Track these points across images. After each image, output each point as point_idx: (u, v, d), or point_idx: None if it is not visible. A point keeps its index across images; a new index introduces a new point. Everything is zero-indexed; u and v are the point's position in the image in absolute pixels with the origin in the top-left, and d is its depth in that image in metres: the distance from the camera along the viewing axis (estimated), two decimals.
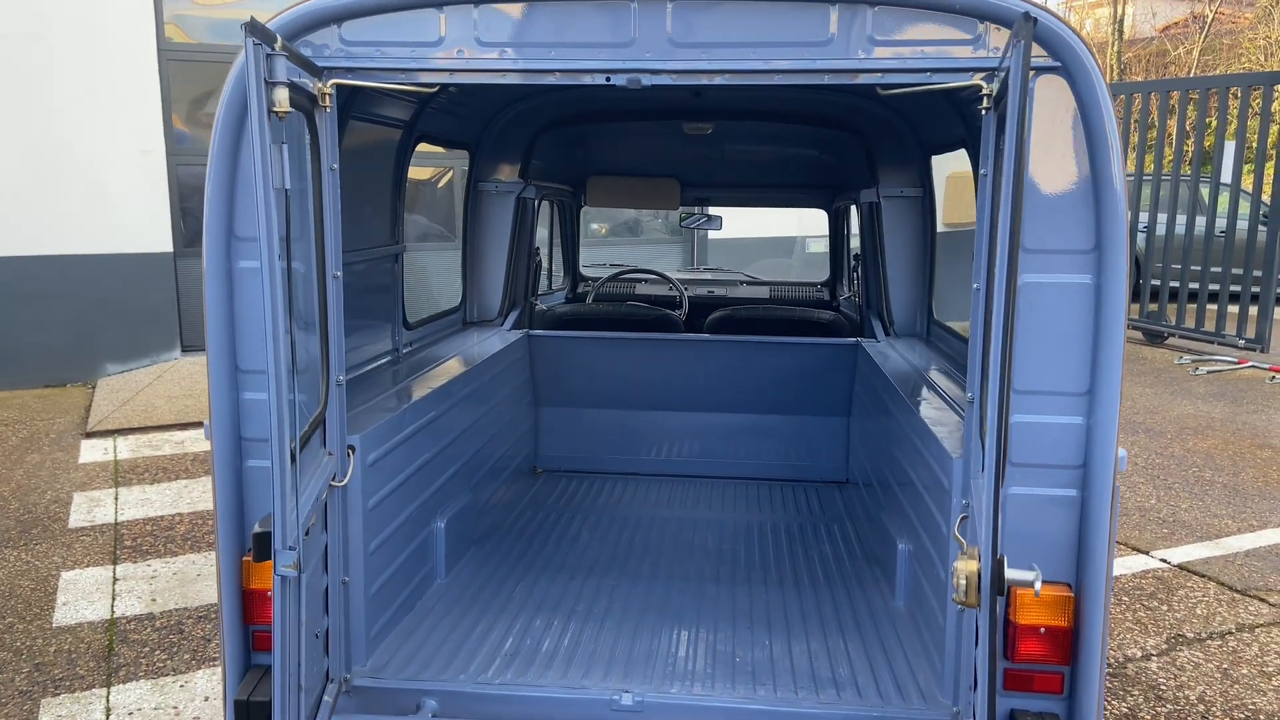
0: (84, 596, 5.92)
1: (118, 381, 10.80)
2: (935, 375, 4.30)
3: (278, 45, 2.21)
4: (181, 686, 4.96)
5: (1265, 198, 12.89)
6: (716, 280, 7.24)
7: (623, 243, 12.57)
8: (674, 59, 2.74)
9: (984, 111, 2.54)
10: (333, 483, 2.93)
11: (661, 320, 5.51)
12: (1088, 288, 2.67)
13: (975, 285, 2.74)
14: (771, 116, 5.36)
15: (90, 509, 7.36)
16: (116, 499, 7.57)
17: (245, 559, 3.03)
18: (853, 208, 6.46)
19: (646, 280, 7.06)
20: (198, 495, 7.67)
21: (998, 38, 2.63)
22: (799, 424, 5.47)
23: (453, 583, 3.96)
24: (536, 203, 5.77)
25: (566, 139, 5.99)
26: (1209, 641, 5.52)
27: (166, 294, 11.26)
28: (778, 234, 10.57)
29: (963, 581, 1.97)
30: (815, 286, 7.04)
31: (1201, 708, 4.82)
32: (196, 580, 6.16)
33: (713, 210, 6.67)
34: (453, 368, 4.40)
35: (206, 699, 4.84)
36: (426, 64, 2.78)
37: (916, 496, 3.55)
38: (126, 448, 8.83)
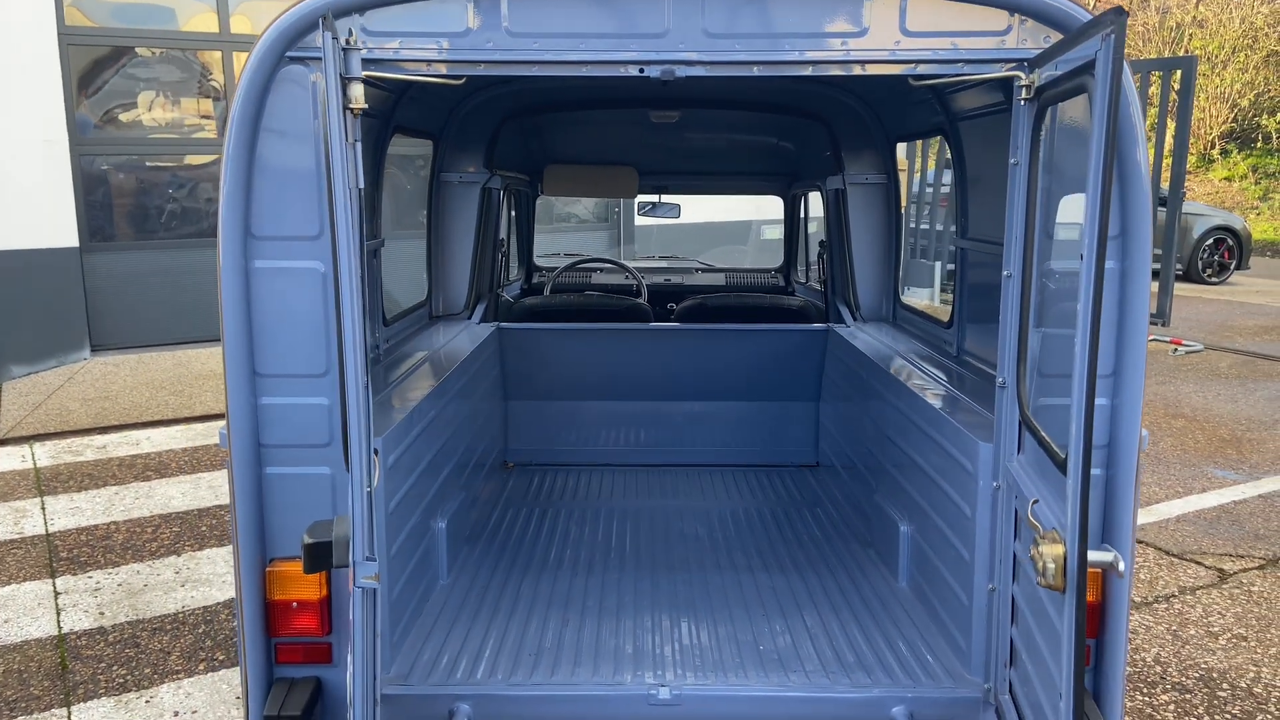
0: (26, 613, 5.62)
1: (25, 385, 10.25)
2: (917, 359, 4.39)
3: (353, 39, 2.12)
4: (147, 702, 4.76)
5: (1164, 183, 13.53)
6: (672, 268, 7.25)
7: (549, 229, 12.49)
8: (709, 50, 2.73)
9: (1023, 102, 2.60)
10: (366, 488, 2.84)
11: (632, 310, 5.49)
12: (1114, 272, 2.75)
13: (1007, 273, 2.80)
14: (738, 105, 5.39)
15: (17, 520, 6.98)
16: (44, 509, 7.20)
17: (269, 569, 2.93)
18: (810, 195, 6.54)
19: (602, 269, 7.02)
20: (131, 502, 7.36)
21: (1029, 29, 2.69)
22: (769, 409, 5.53)
23: (456, 584, 3.89)
24: (501, 193, 5.68)
25: (523, 128, 5.90)
26: (1156, 605, 5.80)
27: (73, 291, 10.73)
28: (731, 219, 10.62)
29: (1050, 565, 2.02)
30: (769, 273, 7.11)
31: (1159, 669, 5.07)
32: (144, 591, 5.91)
33: (670, 198, 6.68)
34: (441, 364, 4.31)
35: (176, 714, 4.66)
36: (454, 55, 2.70)
37: (923, 480, 3.62)
38: (45, 454, 8.40)
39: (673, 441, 5.55)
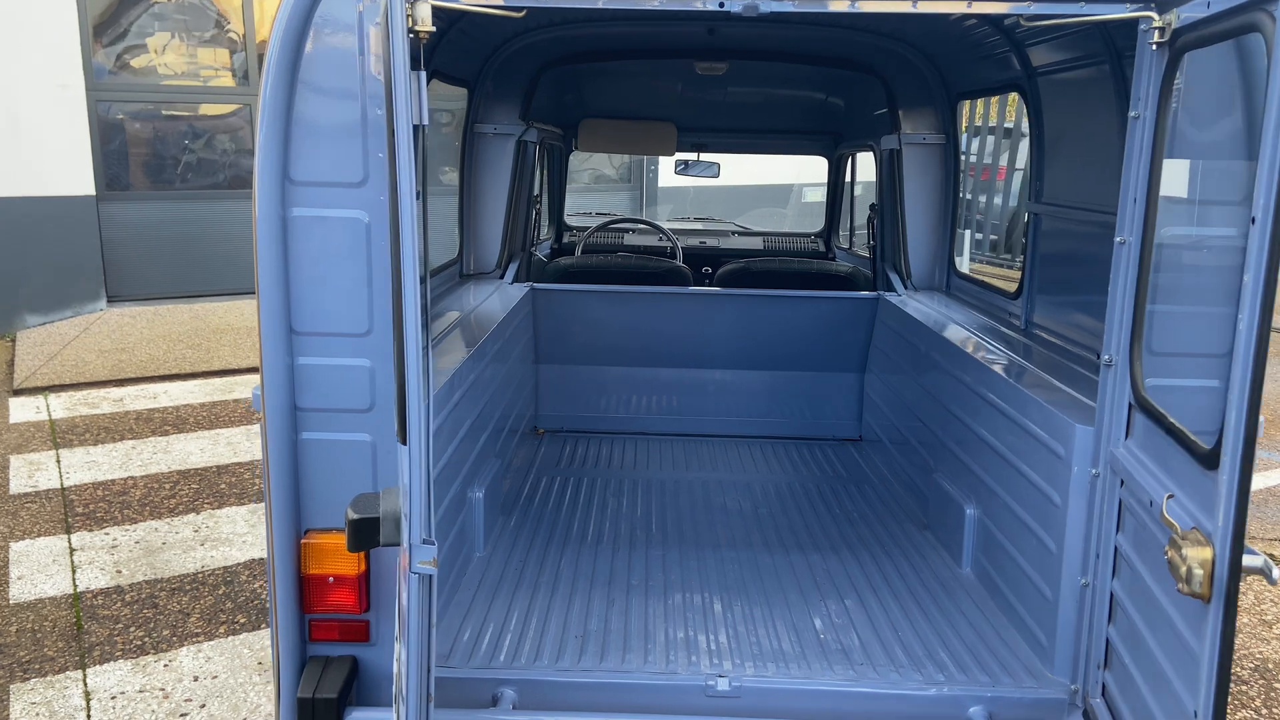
0: (40, 570, 5.46)
1: (40, 334, 10.08)
2: (981, 331, 4.15)
3: None
4: (165, 666, 4.60)
5: None
6: (708, 230, 6.98)
7: (570, 189, 12.19)
8: None
9: (1154, 46, 2.33)
10: None
11: (672, 273, 5.25)
12: (1235, 241, 2.50)
13: (1120, 239, 2.55)
14: (789, 57, 5.10)
15: (31, 473, 6.82)
16: (59, 462, 7.03)
17: (304, 541, 2.72)
18: (857, 156, 6.25)
19: (635, 230, 6.76)
20: (149, 457, 7.19)
21: None
22: (811, 380, 5.30)
23: (493, 557, 3.69)
24: (536, 147, 5.42)
25: (560, 79, 5.62)
26: None
27: (89, 241, 10.51)
28: (768, 181, 10.30)
29: (1197, 570, 1.80)
30: (810, 237, 6.84)
31: None
32: (163, 549, 5.75)
33: (709, 157, 6.40)
34: (475, 326, 4.08)
35: (196, 679, 4.50)
36: None
37: (995, 461, 3.39)
38: (61, 406, 8.23)
39: (709, 411, 5.33)
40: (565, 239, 6.80)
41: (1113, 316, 2.59)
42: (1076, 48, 3.49)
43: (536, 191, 5.78)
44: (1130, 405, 2.54)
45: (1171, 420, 2.23)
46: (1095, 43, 3.30)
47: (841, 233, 6.74)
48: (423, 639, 2.00)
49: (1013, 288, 4.42)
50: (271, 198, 2.54)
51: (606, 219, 6.59)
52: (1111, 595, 2.63)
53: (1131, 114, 2.47)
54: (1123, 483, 2.57)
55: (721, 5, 2.48)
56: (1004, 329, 4.20)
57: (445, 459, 3.14)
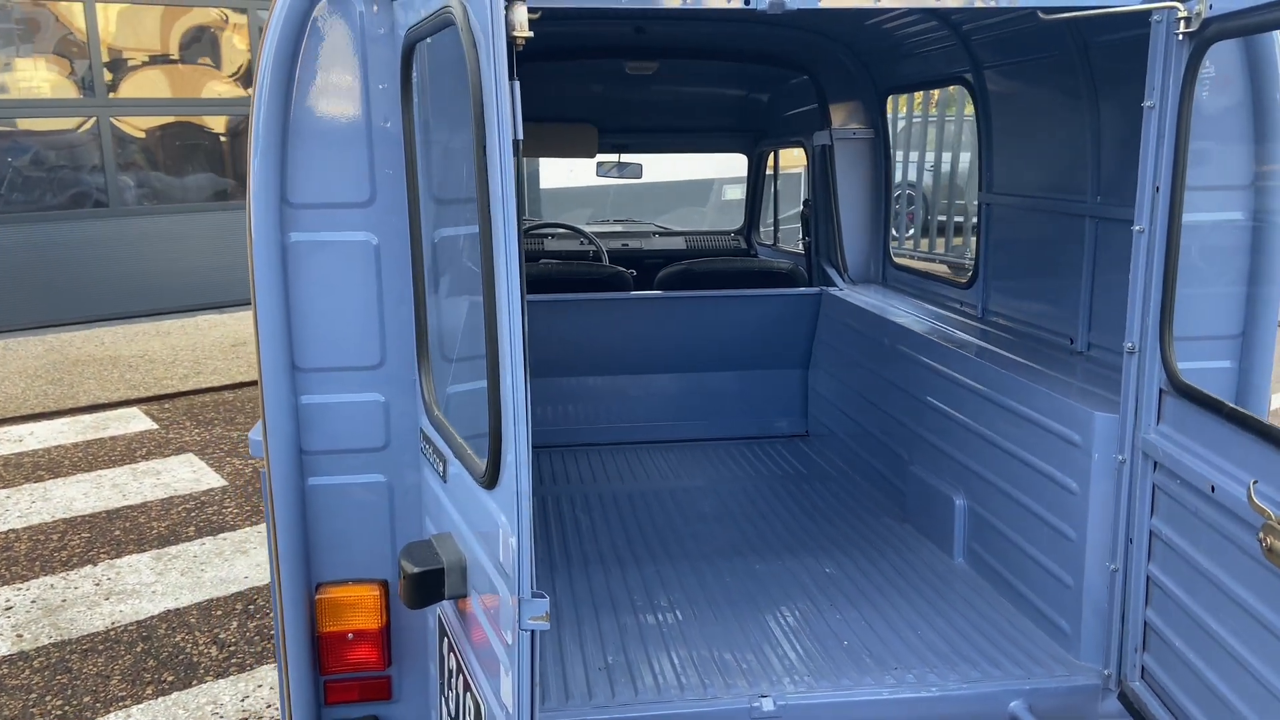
0: None
1: None
2: (940, 322, 4.19)
3: None
4: None
5: None
6: (629, 232, 6.87)
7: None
8: None
9: (1181, 36, 2.36)
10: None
11: (613, 279, 5.12)
12: (1244, 226, 2.57)
13: (1138, 227, 2.58)
14: (716, 55, 5.04)
15: None
16: None
17: (319, 597, 2.49)
18: (779, 152, 6.25)
19: (555, 235, 6.58)
20: (27, 506, 6.58)
21: None
22: (755, 379, 5.27)
23: None
24: None
25: None
26: None
27: None
28: (688, 178, 10.22)
29: None
30: (730, 235, 6.82)
31: None
32: (64, 607, 5.26)
33: (630, 158, 6.28)
34: None
35: None
36: None
37: (988, 451, 3.41)
38: None
39: (658, 417, 5.23)
40: None
41: (1134, 304, 2.62)
42: (1035, 40, 3.55)
43: None
44: (1161, 390, 2.57)
45: (1233, 407, 2.26)
46: (1059, 35, 3.35)
47: (762, 229, 6.75)
48: (524, 702, 1.83)
49: (958, 277, 4.48)
50: (268, 222, 2.30)
51: (526, 223, 6.38)
52: (1149, 578, 2.66)
53: (1146, 103, 2.50)
54: (1155, 467, 2.61)
55: (747, 3, 2.38)
56: (959, 318, 4.26)
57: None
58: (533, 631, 1.76)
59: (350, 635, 2.49)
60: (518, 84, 1.73)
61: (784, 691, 2.79)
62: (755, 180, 6.58)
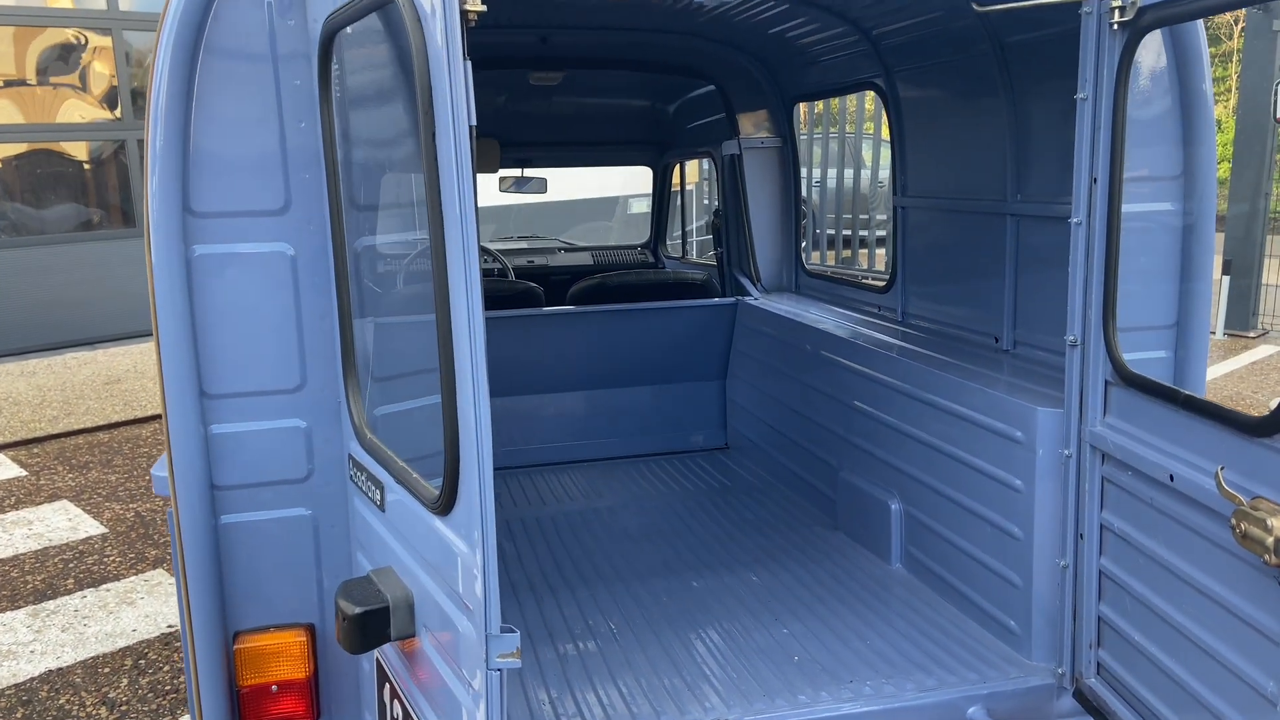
0: None
1: None
2: (860, 326, 4.16)
3: None
4: None
5: None
6: (533, 249, 6.69)
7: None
8: None
9: (1115, 26, 2.35)
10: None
11: (525, 295, 4.94)
12: (1176, 216, 2.59)
13: (1075, 219, 2.56)
14: (621, 64, 4.95)
15: None
16: None
17: (239, 648, 2.25)
18: (685, 164, 6.19)
19: None
20: None
21: None
22: (673, 393, 5.16)
23: None
24: None
25: None
26: None
27: None
28: (595, 195, 10.00)
29: None
30: (637, 249, 6.72)
31: None
32: None
33: (534, 172, 6.12)
34: None
35: None
36: None
37: (922, 453, 3.37)
38: None
39: (570, 436, 5.07)
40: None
41: (1074, 297, 2.60)
42: (947, 42, 3.55)
43: None
44: (1107, 382, 2.55)
45: (1190, 394, 2.24)
46: (973, 36, 3.36)
47: (670, 241, 6.67)
48: None
49: (875, 282, 4.47)
50: (168, 233, 2.08)
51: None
52: (1101, 573, 2.63)
53: (1080, 95, 2.49)
54: (1104, 459, 2.59)
55: None
56: (879, 321, 4.24)
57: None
58: (501, 670, 1.59)
59: (274, 687, 2.25)
60: (470, 64, 1.58)
61: (742, 713, 2.67)
62: (661, 193, 6.51)
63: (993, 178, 3.53)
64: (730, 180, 5.16)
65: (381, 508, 2.05)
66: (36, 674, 4.76)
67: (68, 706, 4.49)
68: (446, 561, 1.70)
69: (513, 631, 1.58)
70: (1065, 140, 2.60)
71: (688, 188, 7.31)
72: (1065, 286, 2.60)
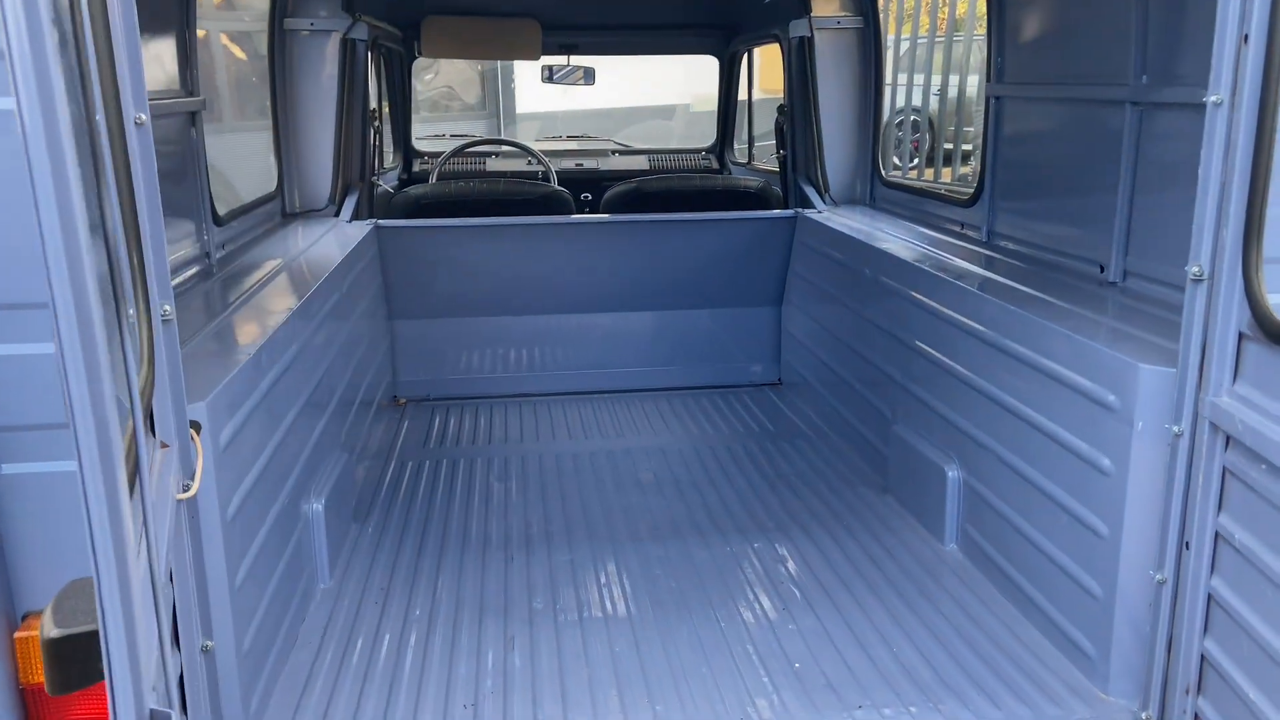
0: None
1: None
2: (936, 247, 3.39)
3: None
4: None
5: None
6: (584, 150, 6.02)
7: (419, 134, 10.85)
8: None
9: None
10: (180, 495, 1.65)
11: (549, 199, 4.31)
12: None
13: (1214, 98, 1.78)
14: None
15: None
16: None
17: (18, 635, 1.74)
18: (754, 53, 5.39)
19: (498, 154, 5.74)
20: None
21: None
22: (721, 318, 4.48)
23: (342, 590, 2.75)
24: (369, 49, 4.34)
25: None
26: None
27: None
28: (656, 103, 9.20)
29: None
30: (700, 154, 5.97)
31: None
32: None
33: (581, 60, 5.43)
34: (302, 276, 3.08)
35: None
36: None
37: (990, 411, 2.64)
38: None
39: (602, 363, 4.46)
40: (416, 168, 5.72)
41: (1204, 212, 1.82)
42: None
43: (374, 107, 4.71)
44: (1241, 335, 1.79)
45: None
46: None
47: (738, 146, 5.89)
48: None
49: (959, 193, 3.67)
50: None
51: (465, 141, 5.55)
52: (1209, 596, 1.90)
53: None
54: (1228, 443, 1.83)
55: None
56: (959, 242, 3.46)
57: (254, 476, 2.17)
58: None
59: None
60: None
61: None
62: (728, 89, 5.72)
63: (1113, 54, 2.71)
64: (798, 69, 4.37)
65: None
66: None
67: None
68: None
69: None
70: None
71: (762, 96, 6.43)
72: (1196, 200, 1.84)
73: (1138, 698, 2.12)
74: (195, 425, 1.81)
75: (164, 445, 1.66)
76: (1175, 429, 1.94)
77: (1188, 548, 1.94)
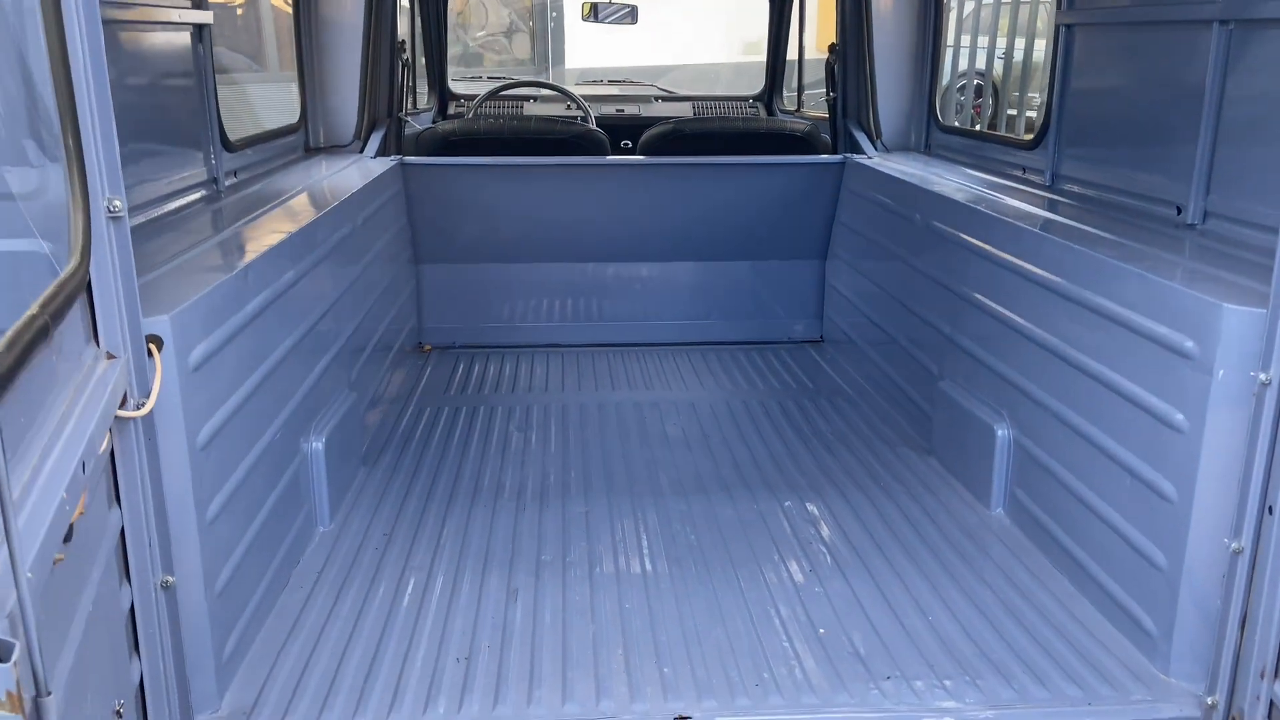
0: None
1: None
2: (993, 191, 3.13)
3: None
4: None
5: None
6: (626, 96, 5.79)
7: (457, 76, 10.58)
8: None
9: None
10: (120, 412, 1.49)
11: (583, 140, 4.10)
12: None
13: None
14: None
15: None
16: None
17: None
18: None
19: (537, 98, 5.54)
20: None
21: None
22: (762, 270, 4.26)
23: (343, 534, 2.60)
24: None
25: None
26: None
27: None
28: (699, 60, 8.87)
29: None
30: (748, 101, 5.71)
31: None
32: None
33: None
34: (308, 204, 2.92)
35: None
36: None
37: (1046, 364, 2.41)
38: None
39: (636, 314, 4.27)
40: (451, 110, 5.54)
41: None
42: None
43: (403, 39, 4.52)
44: None
45: None
46: None
47: (787, 94, 5.62)
48: None
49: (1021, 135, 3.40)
50: None
51: (503, 83, 5.35)
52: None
53: None
54: None
55: None
56: (1021, 187, 3.19)
57: (235, 403, 2.01)
58: None
59: None
60: None
61: (718, 712, 1.88)
62: (778, 31, 5.44)
63: None
64: (852, 7, 4.10)
65: None
66: None
67: None
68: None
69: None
70: None
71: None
72: None
73: (1203, 681, 1.89)
74: (155, 340, 1.65)
75: (110, 356, 1.50)
76: (1263, 377, 1.70)
77: (1270, 512, 1.70)
